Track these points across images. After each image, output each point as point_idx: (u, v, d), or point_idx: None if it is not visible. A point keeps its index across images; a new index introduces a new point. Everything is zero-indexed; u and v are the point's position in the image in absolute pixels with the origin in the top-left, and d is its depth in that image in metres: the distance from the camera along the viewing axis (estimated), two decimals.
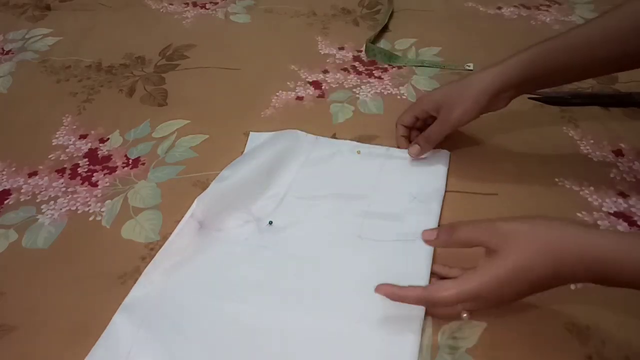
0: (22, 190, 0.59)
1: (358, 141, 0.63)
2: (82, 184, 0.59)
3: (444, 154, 0.60)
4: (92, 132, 0.67)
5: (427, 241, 0.43)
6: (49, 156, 0.63)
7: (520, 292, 0.39)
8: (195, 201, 0.51)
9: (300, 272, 0.48)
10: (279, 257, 0.49)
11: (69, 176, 0.60)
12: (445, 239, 0.43)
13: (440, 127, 0.56)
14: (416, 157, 0.58)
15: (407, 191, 0.55)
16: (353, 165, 0.59)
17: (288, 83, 0.75)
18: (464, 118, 0.55)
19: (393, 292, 0.41)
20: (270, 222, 0.52)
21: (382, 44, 0.84)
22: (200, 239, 0.50)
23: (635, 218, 0.52)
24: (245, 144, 0.63)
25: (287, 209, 0.54)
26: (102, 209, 0.56)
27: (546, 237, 0.38)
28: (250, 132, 0.65)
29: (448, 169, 0.58)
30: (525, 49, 0.52)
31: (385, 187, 0.56)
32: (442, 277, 0.46)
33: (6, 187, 0.59)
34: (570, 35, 0.51)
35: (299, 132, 0.63)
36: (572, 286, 0.45)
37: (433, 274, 0.47)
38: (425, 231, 0.44)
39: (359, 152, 0.60)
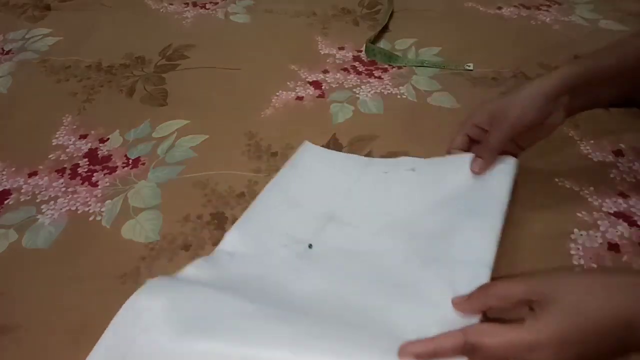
0: (22, 190, 0.59)
1: (358, 141, 0.63)
2: (82, 184, 0.59)
3: (509, 160, 0.52)
4: (92, 132, 0.67)
5: (456, 305, 0.38)
6: (49, 156, 0.63)
7: (584, 352, 0.32)
8: (225, 237, 0.49)
9: (332, 310, 0.41)
10: (312, 290, 0.43)
11: (69, 176, 0.60)
12: (480, 299, 0.37)
13: (501, 130, 0.50)
14: (481, 172, 0.51)
15: (464, 206, 0.49)
16: (406, 185, 0.54)
17: (288, 83, 0.75)
18: (524, 117, 0.49)
19: (424, 349, 0.34)
20: (310, 246, 0.48)
21: (382, 44, 0.84)
22: (231, 265, 0.46)
23: (635, 218, 0.52)
24: (241, 138, 0.63)
25: (331, 235, 0.49)
26: (102, 209, 0.56)
27: (602, 279, 0.34)
28: (305, 141, 0.61)
29: (515, 178, 0.52)
30: (577, 57, 0.51)
31: (440, 204, 0.50)
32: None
33: (6, 187, 0.59)
34: (621, 41, 0.50)
35: (353, 155, 0.60)
36: None
37: None
38: (455, 298, 0.39)
39: (413, 170, 0.55)
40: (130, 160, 0.62)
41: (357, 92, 0.72)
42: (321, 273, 0.45)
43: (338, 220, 0.51)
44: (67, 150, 0.64)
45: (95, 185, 0.59)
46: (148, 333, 0.38)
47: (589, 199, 0.55)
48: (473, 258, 0.43)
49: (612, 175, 0.57)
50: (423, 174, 0.54)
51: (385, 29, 0.88)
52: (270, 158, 0.61)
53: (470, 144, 0.54)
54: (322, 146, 0.62)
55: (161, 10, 0.98)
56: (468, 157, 0.52)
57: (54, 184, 0.59)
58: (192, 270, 0.45)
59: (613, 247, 0.50)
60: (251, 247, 0.48)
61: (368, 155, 0.61)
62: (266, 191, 0.54)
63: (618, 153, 0.60)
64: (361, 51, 0.82)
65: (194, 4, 0.99)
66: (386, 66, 0.78)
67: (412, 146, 0.62)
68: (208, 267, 0.45)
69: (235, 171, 0.59)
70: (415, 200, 0.52)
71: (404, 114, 0.68)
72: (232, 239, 0.49)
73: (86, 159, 0.63)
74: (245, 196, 0.56)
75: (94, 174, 0.60)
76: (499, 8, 0.94)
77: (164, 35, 0.88)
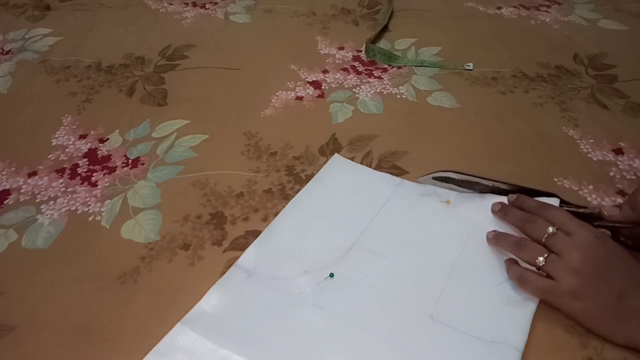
0: (22, 190, 0.59)
1: (357, 141, 0.63)
2: (81, 184, 0.59)
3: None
4: (92, 132, 0.67)
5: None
6: (49, 156, 0.63)
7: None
8: (245, 252, 0.49)
9: (350, 347, 0.41)
10: (332, 325, 0.43)
11: (69, 176, 0.60)
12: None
13: None
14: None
15: (499, 267, 0.46)
16: (439, 218, 0.51)
17: (288, 83, 0.75)
18: None
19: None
20: (332, 275, 0.46)
21: (382, 44, 0.84)
22: (248, 287, 0.46)
23: None
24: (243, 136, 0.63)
25: (353, 261, 0.48)
26: (102, 209, 0.56)
27: None
28: (335, 154, 0.60)
29: None
30: None
31: (473, 254, 0.48)
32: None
33: (6, 187, 0.59)
34: None
35: (384, 174, 0.57)
36: None
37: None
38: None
39: (448, 202, 0.53)
40: (130, 160, 0.62)
41: (357, 92, 0.72)
42: (339, 304, 0.44)
43: (362, 246, 0.49)
44: (67, 150, 0.64)
45: (94, 185, 0.59)
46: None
47: (588, 199, 0.54)
48: (503, 339, 0.41)
49: (611, 174, 0.57)
50: (459, 210, 0.52)
51: (385, 29, 0.88)
52: (270, 158, 0.61)
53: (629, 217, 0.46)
54: (322, 146, 0.62)
55: (161, 10, 0.98)
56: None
57: (54, 184, 0.59)
58: (215, 297, 0.45)
59: None
60: (270, 268, 0.47)
61: (367, 155, 0.61)
62: (290, 207, 0.53)
63: (618, 152, 0.60)
64: (361, 51, 0.82)
65: (194, 4, 0.99)
66: (386, 66, 0.78)
67: (412, 146, 0.62)
68: (227, 292, 0.46)
69: (235, 171, 0.59)
70: (445, 241, 0.49)
71: (404, 113, 0.68)
72: (251, 256, 0.49)
73: (86, 159, 0.63)
74: (245, 196, 0.56)
75: (94, 174, 0.60)
76: (499, 8, 0.94)
77: (164, 35, 0.88)
